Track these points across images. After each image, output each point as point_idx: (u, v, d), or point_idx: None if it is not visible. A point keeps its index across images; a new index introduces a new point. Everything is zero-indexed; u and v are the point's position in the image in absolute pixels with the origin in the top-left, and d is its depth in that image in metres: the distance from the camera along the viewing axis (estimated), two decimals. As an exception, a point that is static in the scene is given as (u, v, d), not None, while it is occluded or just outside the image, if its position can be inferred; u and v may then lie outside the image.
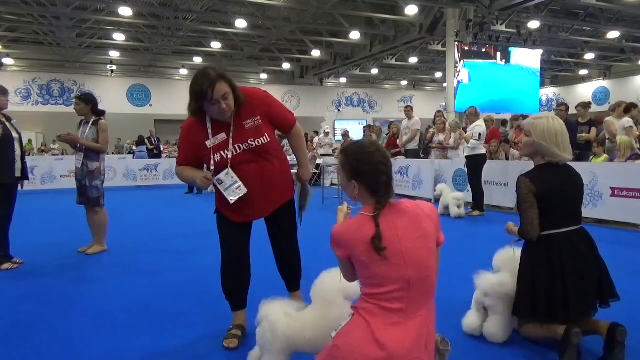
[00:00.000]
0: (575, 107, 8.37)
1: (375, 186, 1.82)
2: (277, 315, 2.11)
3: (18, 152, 4.52)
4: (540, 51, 16.55)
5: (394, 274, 1.73)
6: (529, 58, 15.83)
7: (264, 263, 4.39)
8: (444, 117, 10.95)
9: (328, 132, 15.71)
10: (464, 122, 8.36)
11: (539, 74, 16.42)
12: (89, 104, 5.00)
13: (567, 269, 2.48)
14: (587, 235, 2.62)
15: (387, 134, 12.19)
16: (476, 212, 7.67)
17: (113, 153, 22.44)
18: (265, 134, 2.61)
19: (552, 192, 2.54)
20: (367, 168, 1.82)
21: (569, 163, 2.69)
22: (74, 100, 5.10)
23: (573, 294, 2.45)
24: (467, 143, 7.66)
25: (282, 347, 2.10)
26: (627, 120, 7.68)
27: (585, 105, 8.31)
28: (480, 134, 7.55)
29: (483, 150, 7.80)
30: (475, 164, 7.71)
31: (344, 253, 1.80)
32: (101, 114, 5.10)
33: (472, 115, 7.91)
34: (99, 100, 5.34)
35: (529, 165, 8.29)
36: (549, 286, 2.49)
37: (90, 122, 4.99)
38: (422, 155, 10.63)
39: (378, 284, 1.74)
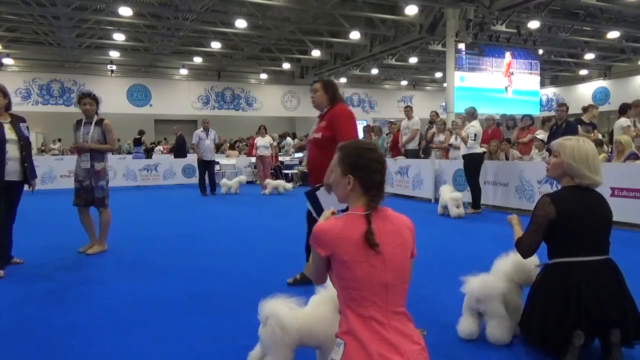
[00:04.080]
0: (583, 108, 8.59)
1: (369, 183, 1.86)
2: (283, 311, 2.13)
3: (14, 154, 4.31)
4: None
5: (374, 277, 1.75)
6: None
7: (253, 265, 4.39)
8: (438, 116, 11.04)
9: None
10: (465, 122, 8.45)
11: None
12: (97, 105, 5.08)
13: (583, 300, 2.32)
14: (613, 268, 2.45)
15: (387, 134, 12.20)
16: (470, 210, 7.79)
17: (113, 153, 22.40)
18: (320, 133, 3.73)
19: (575, 214, 2.41)
20: (365, 163, 1.86)
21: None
22: (85, 99, 5.00)
23: (588, 326, 2.30)
24: (465, 144, 7.72)
25: (292, 341, 2.12)
26: (624, 120, 7.77)
27: (593, 107, 8.53)
28: (475, 134, 7.64)
29: (480, 150, 7.87)
30: (472, 162, 7.78)
31: (326, 251, 1.80)
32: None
33: (469, 115, 8.02)
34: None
35: (528, 165, 8.35)
36: (561, 318, 2.34)
37: (94, 122, 5.01)
38: (422, 155, 10.64)
39: (357, 287, 1.76)
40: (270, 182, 11.60)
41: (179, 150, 14.78)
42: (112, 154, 14.86)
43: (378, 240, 1.77)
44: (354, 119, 3.74)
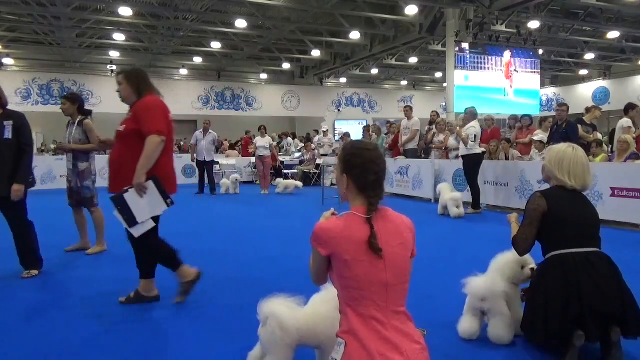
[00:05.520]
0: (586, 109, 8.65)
1: (363, 183, 1.85)
2: (282, 311, 2.13)
3: None
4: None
5: (374, 276, 1.75)
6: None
7: (251, 264, 4.38)
8: (439, 116, 11.05)
9: (326, 132, 15.71)
10: (462, 122, 8.45)
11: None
12: (75, 104, 4.95)
13: (584, 290, 2.35)
14: (608, 260, 2.51)
15: (386, 134, 12.21)
16: (470, 210, 7.81)
17: (105, 153, 22.34)
18: (124, 125, 3.30)
19: (565, 208, 2.52)
20: (359, 162, 1.87)
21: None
22: (61, 100, 5.01)
23: (590, 317, 2.31)
24: (466, 145, 7.73)
25: (292, 341, 2.12)
26: (625, 121, 7.84)
27: (596, 108, 8.60)
28: (475, 135, 7.67)
29: (479, 150, 7.89)
30: (471, 163, 7.81)
31: (327, 250, 1.80)
32: (88, 113, 5.05)
33: (471, 115, 8.01)
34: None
35: (528, 165, 8.35)
36: (563, 309, 2.36)
37: (76, 123, 4.97)
38: (422, 156, 10.64)
39: (357, 287, 1.76)
40: (282, 182, 11.65)
41: None
42: (106, 153, 14.71)
43: (379, 241, 1.76)
44: (161, 110, 3.32)
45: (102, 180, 5.41)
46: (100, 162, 5.90)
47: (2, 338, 2.87)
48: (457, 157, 8.86)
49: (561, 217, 2.50)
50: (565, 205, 2.53)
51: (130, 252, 3.22)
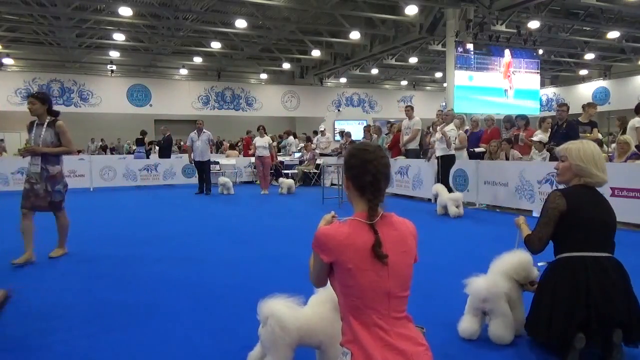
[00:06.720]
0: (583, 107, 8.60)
1: (360, 183, 1.83)
2: (282, 311, 2.13)
3: None
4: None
5: (377, 285, 1.74)
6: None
7: (250, 264, 4.37)
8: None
9: (323, 131, 15.69)
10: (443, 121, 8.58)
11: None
12: (45, 104, 4.73)
13: (592, 295, 2.33)
14: (620, 266, 2.49)
15: (386, 134, 12.19)
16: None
17: (112, 153, 22.37)
18: None
19: (584, 209, 2.46)
20: (356, 163, 1.85)
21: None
22: (29, 99, 4.73)
23: (595, 323, 2.30)
24: (449, 146, 7.88)
25: (292, 340, 2.12)
26: (638, 120, 7.81)
27: (590, 105, 8.54)
28: (456, 137, 8.04)
29: (454, 151, 8.13)
30: (447, 163, 8.08)
31: (330, 258, 1.76)
32: (56, 114, 4.83)
33: (451, 117, 8.23)
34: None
35: (528, 165, 8.33)
36: (568, 312, 2.35)
37: (46, 124, 4.70)
38: (422, 156, 10.65)
39: (360, 296, 1.74)
40: (285, 181, 11.67)
41: (164, 150, 14.87)
42: (97, 152, 14.61)
43: (383, 248, 1.73)
44: None
45: (107, 181, 5.38)
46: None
47: None
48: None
49: (579, 218, 2.45)
50: (585, 207, 2.47)
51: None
